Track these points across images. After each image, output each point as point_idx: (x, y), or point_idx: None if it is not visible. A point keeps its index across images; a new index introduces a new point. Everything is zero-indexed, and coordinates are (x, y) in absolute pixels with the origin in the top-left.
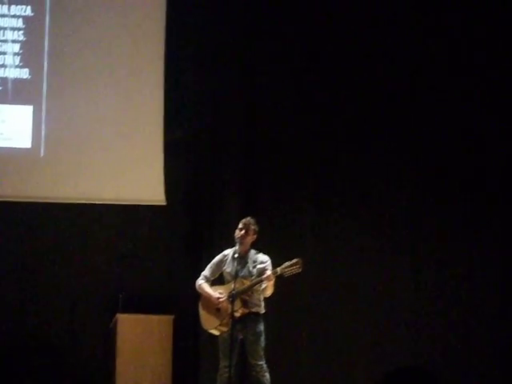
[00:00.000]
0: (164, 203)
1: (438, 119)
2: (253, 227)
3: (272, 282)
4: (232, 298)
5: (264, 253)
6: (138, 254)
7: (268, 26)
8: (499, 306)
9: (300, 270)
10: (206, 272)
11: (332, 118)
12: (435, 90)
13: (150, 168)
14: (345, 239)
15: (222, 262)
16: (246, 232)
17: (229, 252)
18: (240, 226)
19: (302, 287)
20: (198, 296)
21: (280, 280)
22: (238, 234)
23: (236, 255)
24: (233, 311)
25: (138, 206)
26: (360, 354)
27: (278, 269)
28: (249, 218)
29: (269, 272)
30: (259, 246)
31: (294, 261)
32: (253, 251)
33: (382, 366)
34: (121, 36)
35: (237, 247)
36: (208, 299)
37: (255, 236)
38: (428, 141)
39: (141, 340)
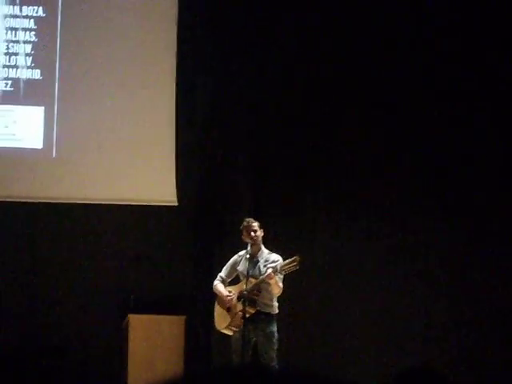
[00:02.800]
0: (176, 203)
1: (443, 122)
2: (255, 224)
3: (274, 281)
4: (242, 297)
5: (275, 251)
6: (149, 254)
7: (282, 30)
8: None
9: (297, 268)
10: (222, 273)
11: (339, 121)
12: (442, 96)
13: (162, 168)
14: (353, 239)
15: (236, 263)
16: (255, 232)
17: (243, 253)
18: (246, 230)
19: (310, 288)
20: (210, 296)
21: (290, 280)
22: (248, 237)
23: (248, 255)
24: (244, 310)
25: (150, 206)
26: (370, 353)
27: (278, 266)
28: (247, 220)
29: (269, 270)
30: (269, 247)
31: (292, 258)
32: (266, 251)
33: (392, 366)
34: (133, 37)
35: (249, 248)
36: (221, 299)
37: (262, 229)
38: (433, 144)
39: (152, 340)
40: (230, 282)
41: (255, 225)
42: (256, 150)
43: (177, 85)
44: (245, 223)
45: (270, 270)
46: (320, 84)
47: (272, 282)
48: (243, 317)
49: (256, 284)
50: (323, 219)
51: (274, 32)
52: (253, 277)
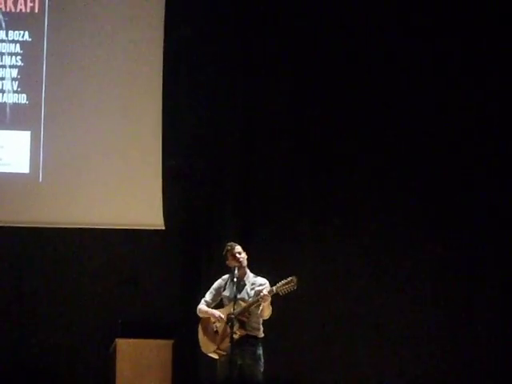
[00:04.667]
0: (163, 228)
1: (436, 134)
2: (239, 247)
3: (268, 303)
4: (230, 320)
5: (262, 275)
6: (136, 278)
7: (270, 48)
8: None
9: (295, 288)
10: (207, 297)
11: (327, 141)
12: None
13: (149, 192)
14: (343, 261)
15: (221, 287)
16: (240, 254)
17: (227, 277)
18: (231, 254)
19: (300, 308)
20: (198, 320)
21: (278, 302)
22: (233, 260)
23: (235, 279)
24: (232, 334)
25: (137, 230)
26: (359, 370)
27: (274, 287)
28: (230, 244)
29: (265, 291)
30: (257, 269)
31: (289, 279)
32: (251, 274)
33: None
34: (118, 61)
35: (236, 272)
36: (207, 322)
37: (245, 252)
38: (426, 157)
39: (140, 365)
40: (214, 307)
41: (239, 247)
42: (243, 174)
43: (163, 108)
44: (228, 247)
45: (265, 291)
46: (308, 108)
47: (266, 304)
48: (231, 340)
49: (248, 306)
50: (310, 242)
51: (261, 50)
52: (241, 300)
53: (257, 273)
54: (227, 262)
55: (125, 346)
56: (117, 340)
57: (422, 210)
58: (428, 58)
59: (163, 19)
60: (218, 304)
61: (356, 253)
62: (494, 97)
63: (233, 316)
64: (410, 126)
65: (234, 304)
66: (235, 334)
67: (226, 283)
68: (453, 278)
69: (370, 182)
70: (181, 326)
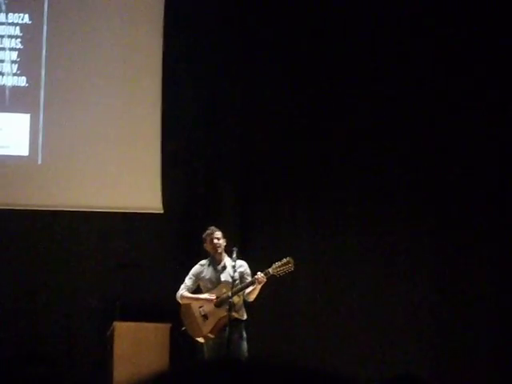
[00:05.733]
0: (161, 211)
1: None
2: (218, 232)
3: (259, 286)
4: (226, 303)
5: (261, 261)
6: (135, 261)
7: (269, 39)
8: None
9: (292, 269)
10: (188, 282)
11: (327, 132)
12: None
13: (148, 176)
14: (341, 251)
15: (201, 272)
16: (218, 240)
17: (205, 262)
18: (209, 238)
19: (297, 294)
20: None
21: (273, 286)
22: (210, 245)
23: (215, 263)
24: (229, 315)
25: (136, 213)
26: (354, 361)
27: (270, 269)
28: (211, 228)
29: (259, 274)
30: (256, 253)
31: (285, 260)
32: (227, 257)
33: (376, 373)
34: (119, 46)
35: (215, 256)
36: (189, 308)
37: (225, 239)
38: (424, 145)
39: (138, 348)
40: (192, 292)
41: (219, 233)
42: (242, 158)
43: (162, 92)
44: (208, 231)
45: (259, 273)
46: (309, 95)
47: (259, 286)
48: (229, 322)
49: (242, 288)
50: (310, 228)
51: (262, 46)
52: (226, 282)
53: (256, 256)
54: (204, 245)
55: (123, 329)
56: (115, 323)
57: (421, 200)
58: (427, 57)
59: (163, 2)
60: (195, 290)
61: (354, 240)
62: (494, 96)
63: (231, 300)
64: (409, 118)
65: (233, 286)
66: (231, 316)
67: (204, 268)
68: (452, 272)
69: (370, 171)
70: (178, 310)
